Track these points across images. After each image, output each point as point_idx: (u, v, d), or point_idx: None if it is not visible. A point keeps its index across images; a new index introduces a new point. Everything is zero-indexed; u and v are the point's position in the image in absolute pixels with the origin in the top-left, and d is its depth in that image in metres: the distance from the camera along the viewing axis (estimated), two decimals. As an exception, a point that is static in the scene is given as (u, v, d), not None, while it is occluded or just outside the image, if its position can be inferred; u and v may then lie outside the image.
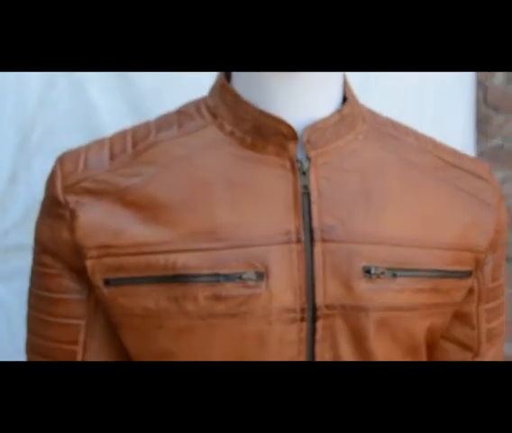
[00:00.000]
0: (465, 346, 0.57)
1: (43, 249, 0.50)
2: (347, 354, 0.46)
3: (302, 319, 0.45)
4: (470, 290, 0.54)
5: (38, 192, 1.02)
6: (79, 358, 0.50)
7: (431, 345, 0.53)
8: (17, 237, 1.08)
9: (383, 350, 0.46)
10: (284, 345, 0.45)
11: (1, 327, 1.11)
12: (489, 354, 0.58)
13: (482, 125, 1.15)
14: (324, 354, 0.45)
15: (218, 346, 0.44)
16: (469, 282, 0.52)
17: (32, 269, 0.53)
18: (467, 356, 0.57)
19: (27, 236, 1.09)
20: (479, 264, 0.52)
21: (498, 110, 1.17)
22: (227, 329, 0.44)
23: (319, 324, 0.45)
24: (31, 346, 0.52)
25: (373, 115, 0.54)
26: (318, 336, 0.45)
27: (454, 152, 0.56)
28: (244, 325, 0.44)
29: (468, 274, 0.51)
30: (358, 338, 0.45)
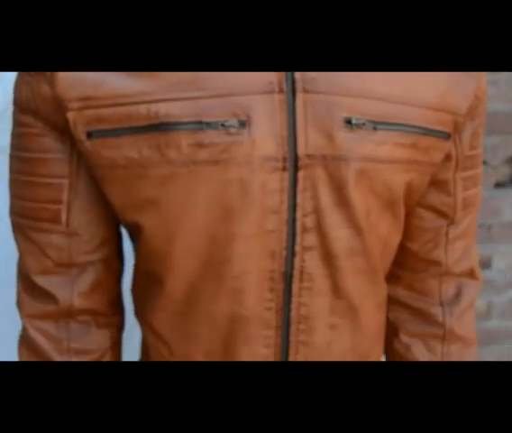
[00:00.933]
0: (441, 213, 0.60)
1: (23, 109, 0.49)
2: (328, 203, 0.48)
3: (284, 169, 0.46)
4: (448, 157, 0.56)
5: (9, 91, 1.00)
6: (63, 218, 0.51)
7: (408, 208, 0.56)
8: (-7, 140, 1.06)
9: (362, 201, 0.48)
10: (266, 194, 0.47)
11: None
12: (464, 222, 0.61)
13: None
14: (305, 204, 0.48)
15: (202, 194, 0.46)
16: (447, 145, 0.54)
17: (12, 132, 0.52)
18: (442, 223, 0.60)
19: (2, 138, 1.09)
20: (457, 128, 0.54)
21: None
22: (210, 176, 0.45)
23: (300, 174, 0.47)
24: (15, 209, 0.53)
25: None
26: (300, 185, 0.47)
27: None
28: (227, 172, 0.45)
29: (447, 136, 0.53)
30: (338, 188, 0.47)
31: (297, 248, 0.49)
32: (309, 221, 0.48)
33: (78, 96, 0.46)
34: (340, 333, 0.53)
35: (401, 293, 0.65)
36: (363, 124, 0.47)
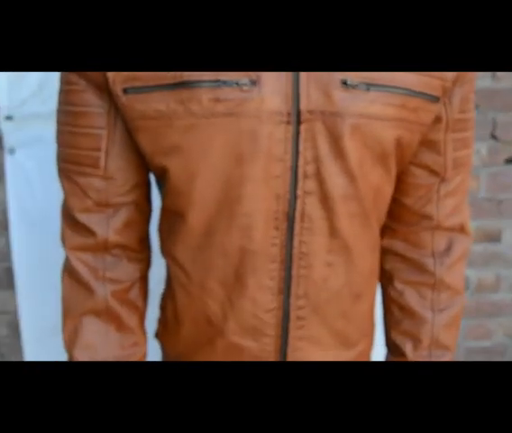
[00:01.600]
0: (432, 171, 0.67)
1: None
2: (326, 153, 0.56)
3: (288, 122, 0.55)
4: (439, 119, 0.63)
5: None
6: (102, 163, 0.61)
7: (401, 165, 0.63)
8: (34, 106, 1.18)
9: (356, 152, 0.57)
10: (272, 143, 0.55)
11: (22, 190, 1.25)
12: (455, 181, 0.68)
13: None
14: (306, 153, 0.56)
15: (218, 141, 0.55)
16: (436, 108, 0.61)
17: (59, 89, 0.62)
18: (434, 181, 0.68)
19: (43, 105, 1.20)
20: (446, 92, 0.61)
21: None
22: (225, 126, 0.54)
23: (302, 127, 0.55)
24: (61, 156, 0.63)
25: None
26: (301, 137, 0.55)
27: None
28: (240, 123, 0.54)
29: (435, 99, 0.60)
30: (334, 139, 0.56)
31: (299, 192, 0.57)
32: (309, 168, 0.57)
33: None
34: (335, 270, 0.62)
35: (397, 245, 0.73)
36: (357, 85, 0.55)
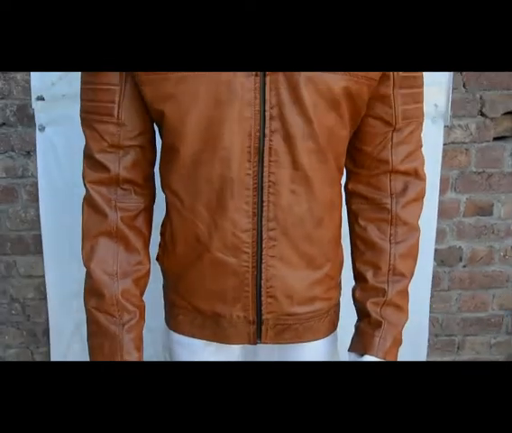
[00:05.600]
0: (386, 122, 0.85)
1: (91, 39, 0.81)
2: (286, 99, 0.75)
3: (256, 74, 0.74)
4: (387, 76, 0.81)
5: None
6: (115, 112, 0.81)
7: (355, 114, 0.82)
8: (62, 88, 1.42)
9: (310, 98, 0.75)
10: (245, 91, 0.75)
11: (50, 163, 1.48)
12: (407, 130, 0.86)
13: None
14: (271, 99, 0.75)
15: (203, 89, 0.75)
16: (382, 66, 0.80)
17: (83, 56, 0.84)
18: (388, 130, 0.86)
19: (69, 87, 1.44)
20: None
21: None
22: (208, 77, 0.74)
23: (267, 78, 0.75)
24: (84, 108, 0.84)
25: None
26: (267, 86, 0.75)
27: None
28: (219, 75, 0.74)
29: (380, 58, 0.79)
30: (292, 88, 0.75)
31: (267, 131, 0.77)
32: (274, 111, 0.76)
33: None
34: (298, 197, 0.80)
35: (361, 188, 0.91)
36: (310, 44, 0.74)
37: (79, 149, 0.88)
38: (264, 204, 0.80)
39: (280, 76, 0.75)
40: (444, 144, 1.44)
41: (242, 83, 0.75)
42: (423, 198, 0.92)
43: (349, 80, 0.77)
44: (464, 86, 1.42)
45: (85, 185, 0.86)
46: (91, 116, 0.83)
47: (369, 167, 0.89)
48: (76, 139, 1.35)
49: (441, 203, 1.47)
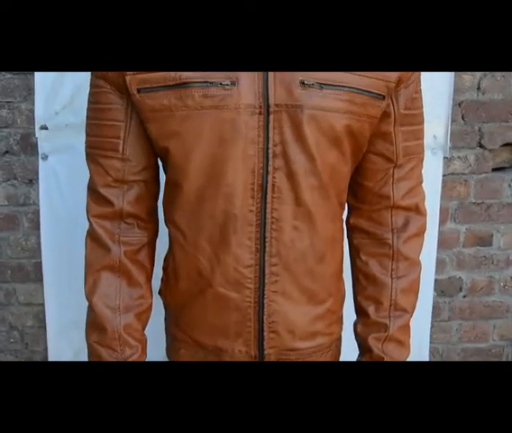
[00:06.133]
0: (387, 158, 0.87)
1: (97, 76, 0.82)
2: (289, 137, 0.77)
3: (260, 113, 0.76)
4: (388, 114, 0.83)
5: (82, 78, 1.37)
6: (121, 148, 0.83)
7: (356, 150, 0.83)
8: (66, 117, 1.44)
9: (313, 136, 0.77)
10: (248, 129, 0.76)
11: (53, 192, 1.49)
12: (408, 166, 0.88)
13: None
14: (274, 137, 0.77)
15: (207, 127, 0.76)
16: (383, 104, 0.81)
17: (89, 92, 0.85)
18: (389, 166, 0.87)
19: (73, 117, 1.46)
20: (390, 92, 0.81)
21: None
22: (212, 116, 0.76)
23: (271, 117, 0.76)
24: (89, 144, 0.86)
25: None
26: (270, 124, 0.76)
27: None
28: (223, 113, 0.75)
29: (381, 97, 0.80)
30: (295, 126, 0.76)
31: (270, 168, 0.78)
32: (277, 149, 0.77)
33: None
34: (301, 233, 0.81)
35: (362, 223, 0.92)
36: (313, 84, 0.75)
37: (82, 178, 0.89)
38: (267, 240, 0.81)
39: (283, 114, 0.76)
40: (444, 175, 1.46)
41: (246, 121, 0.76)
42: (424, 232, 0.93)
43: (351, 119, 0.78)
44: (463, 118, 1.44)
45: (88, 219, 0.87)
46: (96, 151, 0.84)
47: (370, 202, 0.90)
48: (78, 168, 1.36)
49: (441, 233, 1.48)
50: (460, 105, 1.42)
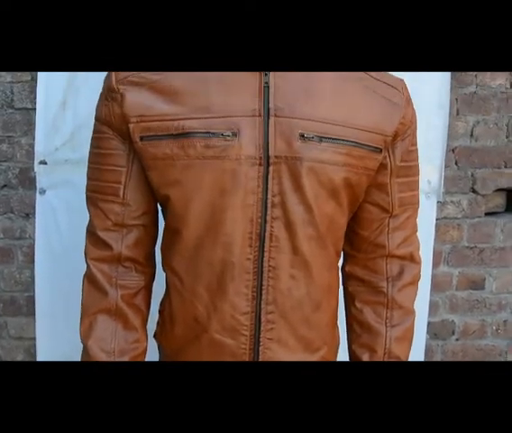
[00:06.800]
0: (383, 209, 0.89)
1: (101, 122, 0.84)
2: (288, 188, 0.78)
3: (260, 164, 0.78)
4: (384, 166, 0.85)
5: (83, 116, 1.39)
6: (121, 193, 0.84)
7: (353, 201, 0.85)
8: (65, 153, 1.46)
9: (311, 188, 0.78)
10: (248, 179, 0.78)
11: (49, 226, 1.50)
12: (403, 216, 0.89)
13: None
14: (273, 188, 0.78)
15: (208, 177, 0.78)
16: (380, 157, 0.83)
17: (92, 137, 0.87)
18: (385, 216, 0.89)
19: (73, 152, 1.47)
20: (387, 145, 0.83)
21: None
22: (213, 166, 0.77)
23: (271, 168, 0.78)
24: (89, 188, 0.87)
25: None
26: (270, 175, 0.78)
27: (382, 73, 0.87)
28: (224, 164, 0.77)
29: (378, 150, 0.82)
30: (294, 178, 0.78)
31: (268, 218, 0.79)
32: (276, 199, 0.79)
33: (137, 114, 0.79)
34: (297, 282, 0.82)
35: (358, 271, 0.93)
36: (312, 137, 0.77)
37: (79, 213, 0.89)
38: (263, 287, 0.82)
39: (283, 166, 0.78)
40: (437, 219, 1.48)
41: (247, 172, 0.78)
42: (418, 281, 0.94)
43: (349, 171, 0.80)
44: (456, 163, 1.47)
45: (86, 261, 0.88)
46: (96, 195, 0.86)
47: (366, 250, 0.92)
48: (76, 204, 1.37)
49: (434, 276, 1.50)
50: (453, 151, 1.46)
